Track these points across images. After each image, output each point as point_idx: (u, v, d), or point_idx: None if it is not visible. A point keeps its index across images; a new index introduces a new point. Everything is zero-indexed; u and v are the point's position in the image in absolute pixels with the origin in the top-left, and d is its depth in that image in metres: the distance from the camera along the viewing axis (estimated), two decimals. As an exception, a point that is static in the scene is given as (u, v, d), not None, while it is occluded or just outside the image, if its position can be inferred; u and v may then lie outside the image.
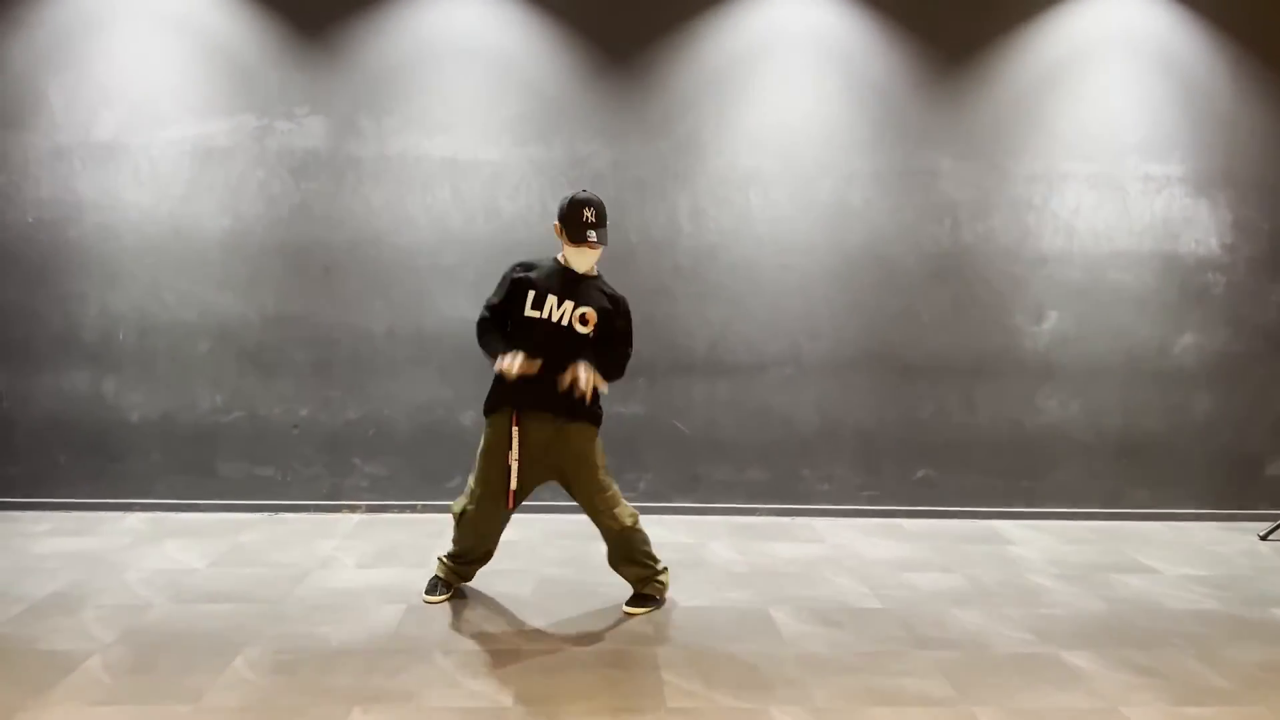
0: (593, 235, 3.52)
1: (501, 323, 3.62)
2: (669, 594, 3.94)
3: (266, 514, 5.08)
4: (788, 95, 5.22)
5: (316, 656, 3.26)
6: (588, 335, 3.55)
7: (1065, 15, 5.27)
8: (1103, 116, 5.30)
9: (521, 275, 3.60)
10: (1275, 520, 5.20)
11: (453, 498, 4.85)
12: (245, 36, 5.01)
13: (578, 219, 3.53)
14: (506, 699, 2.95)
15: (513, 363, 3.41)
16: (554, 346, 3.51)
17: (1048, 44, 5.27)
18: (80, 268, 5.00)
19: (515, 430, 3.55)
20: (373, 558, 4.43)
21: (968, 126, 5.26)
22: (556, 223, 3.59)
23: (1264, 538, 5.11)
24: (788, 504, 5.32)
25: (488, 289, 3.72)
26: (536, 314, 3.53)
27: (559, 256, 3.65)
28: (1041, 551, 4.80)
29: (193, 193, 5.03)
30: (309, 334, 5.12)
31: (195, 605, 3.73)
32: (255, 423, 5.14)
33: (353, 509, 5.19)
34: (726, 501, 5.32)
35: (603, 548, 3.84)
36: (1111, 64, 5.29)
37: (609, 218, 3.73)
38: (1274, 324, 5.44)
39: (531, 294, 3.54)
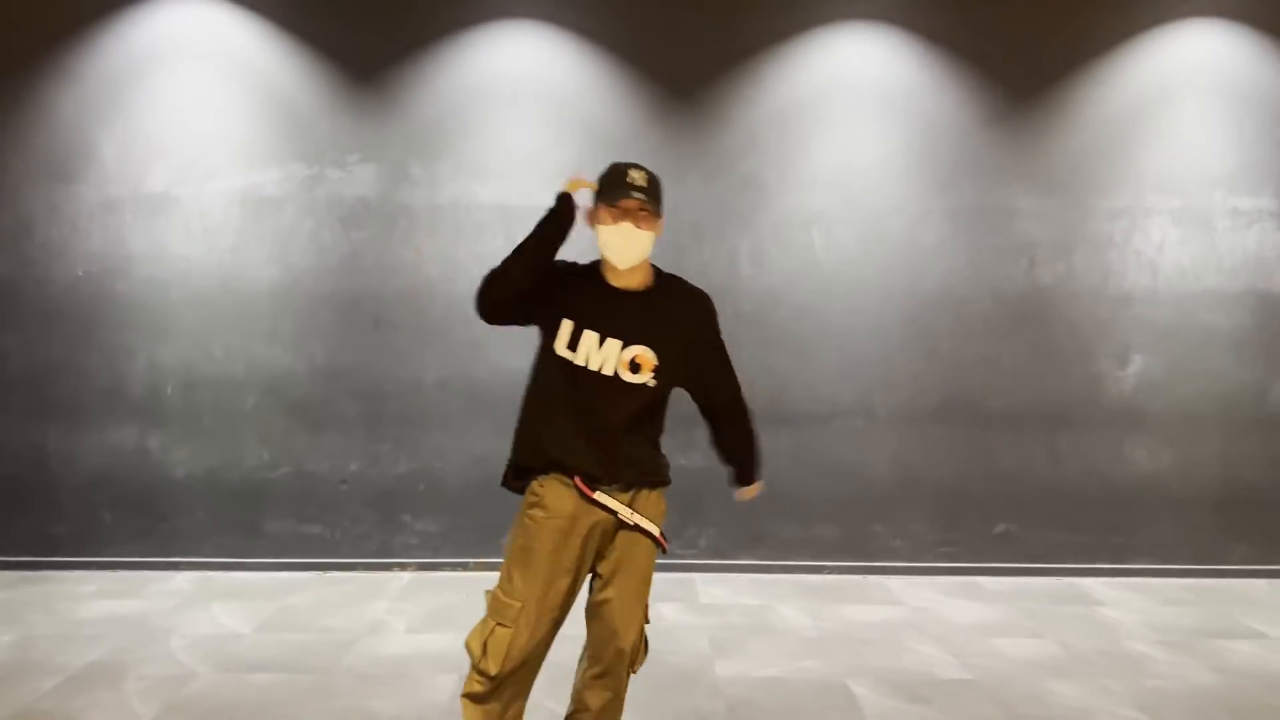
0: (638, 193, 2.48)
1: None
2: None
3: (316, 573, 4.90)
4: (854, 133, 5.01)
5: (366, 737, 3.05)
6: (644, 385, 2.51)
7: (1146, 47, 5.00)
8: (1188, 149, 5.01)
9: (564, 278, 2.59)
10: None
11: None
12: (296, 83, 4.92)
13: (619, 178, 2.52)
14: (572, 789, 2.71)
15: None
16: (598, 402, 2.51)
17: (1128, 77, 5.00)
18: (128, 321, 4.90)
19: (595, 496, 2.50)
20: (424, 621, 4.22)
21: (1046, 162, 5.00)
22: (590, 206, 2.60)
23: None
24: (859, 561, 5.02)
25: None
26: (571, 356, 2.50)
27: (599, 263, 2.61)
28: (1137, 614, 4.46)
29: (242, 243, 4.92)
30: (358, 386, 4.96)
31: (241, 675, 3.54)
32: (303, 479, 4.97)
33: (403, 567, 4.99)
34: (793, 559, 5.03)
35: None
36: (1196, 96, 4.99)
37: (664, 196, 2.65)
38: (1381, 366, 5.06)
39: (568, 325, 2.50)
